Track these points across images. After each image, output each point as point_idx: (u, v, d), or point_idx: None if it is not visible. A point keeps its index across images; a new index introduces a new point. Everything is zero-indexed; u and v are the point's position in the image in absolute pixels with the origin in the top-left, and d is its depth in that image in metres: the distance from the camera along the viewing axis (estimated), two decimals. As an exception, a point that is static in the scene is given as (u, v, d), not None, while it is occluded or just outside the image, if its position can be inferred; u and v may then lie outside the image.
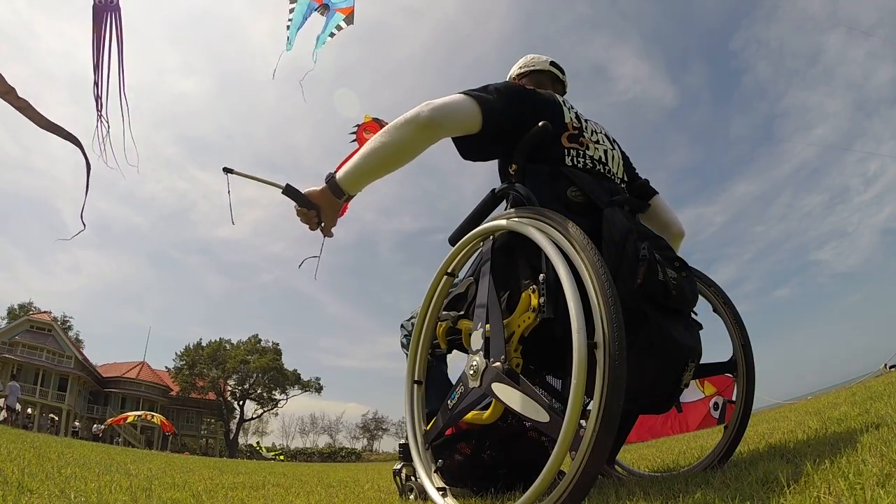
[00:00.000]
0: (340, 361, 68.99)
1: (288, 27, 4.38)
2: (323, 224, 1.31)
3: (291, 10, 4.41)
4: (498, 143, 1.32)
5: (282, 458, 26.05)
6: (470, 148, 1.33)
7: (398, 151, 1.25)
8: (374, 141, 1.26)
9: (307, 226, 1.30)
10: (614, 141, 1.54)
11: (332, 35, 4.33)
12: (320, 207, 1.28)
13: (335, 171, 1.27)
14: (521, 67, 1.72)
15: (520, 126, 1.28)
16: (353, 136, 4.99)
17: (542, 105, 1.36)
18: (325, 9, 4.38)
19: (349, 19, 4.31)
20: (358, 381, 68.89)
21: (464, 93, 1.27)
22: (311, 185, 1.30)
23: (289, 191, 1.29)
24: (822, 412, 2.50)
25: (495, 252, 1.24)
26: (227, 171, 1.38)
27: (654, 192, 1.61)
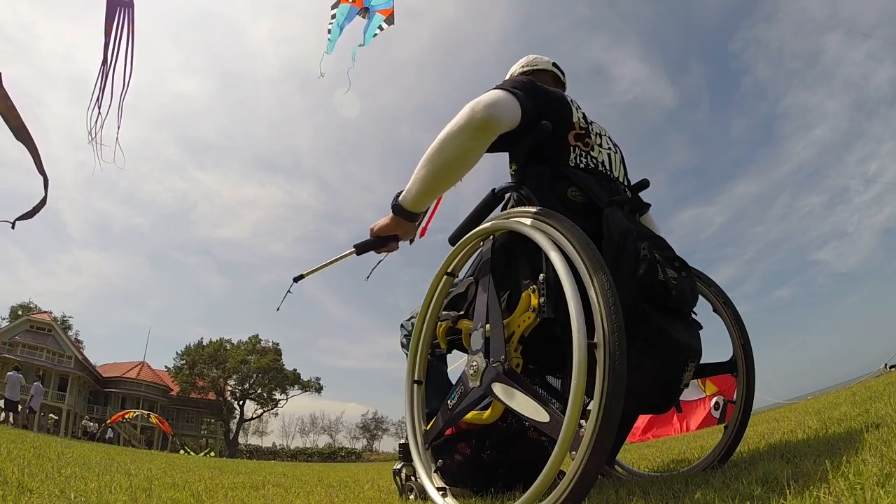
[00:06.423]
0: (340, 361, 69.11)
1: (329, 31, 4.48)
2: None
3: (333, 17, 4.52)
4: (514, 140, 1.27)
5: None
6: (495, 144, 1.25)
7: (460, 162, 1.17)
8: (432, 158, 1.17)
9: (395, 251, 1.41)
10: (616, 145, 1.53)
11: (374, 35, 4.39)
12: (399, 235, 1.35)
13: (398, 197, 1.27)
14: (523, 66, 1.70)
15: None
16: None
17: (557, 103, 1.34)
18: (365, 12, 4.45)
19: (390, 20, 4.36)
20: (358, 381, 69.05)
21: (502, 89, 1.21)
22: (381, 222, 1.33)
23: (362, 249, 1.36)
24: (822, 412, 2.50)
25: (495, 252, 1.23)
26: (297, 279, 1.50)
27: (647, 206, 1.59)
